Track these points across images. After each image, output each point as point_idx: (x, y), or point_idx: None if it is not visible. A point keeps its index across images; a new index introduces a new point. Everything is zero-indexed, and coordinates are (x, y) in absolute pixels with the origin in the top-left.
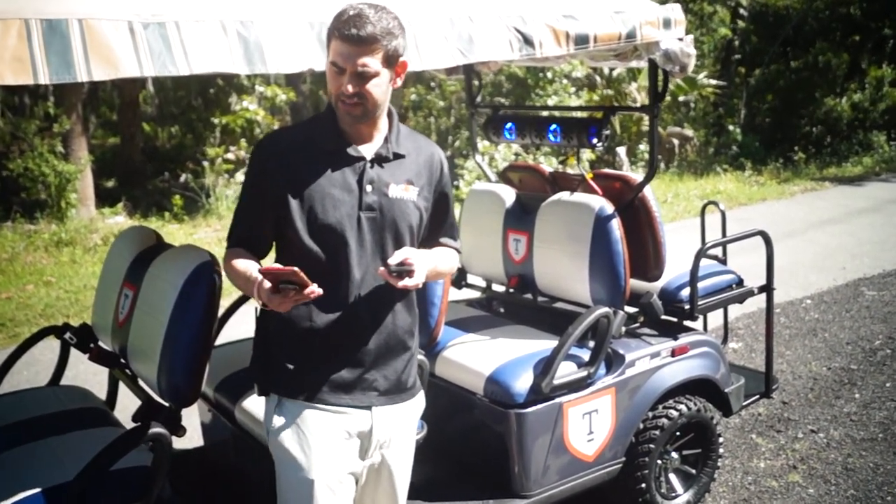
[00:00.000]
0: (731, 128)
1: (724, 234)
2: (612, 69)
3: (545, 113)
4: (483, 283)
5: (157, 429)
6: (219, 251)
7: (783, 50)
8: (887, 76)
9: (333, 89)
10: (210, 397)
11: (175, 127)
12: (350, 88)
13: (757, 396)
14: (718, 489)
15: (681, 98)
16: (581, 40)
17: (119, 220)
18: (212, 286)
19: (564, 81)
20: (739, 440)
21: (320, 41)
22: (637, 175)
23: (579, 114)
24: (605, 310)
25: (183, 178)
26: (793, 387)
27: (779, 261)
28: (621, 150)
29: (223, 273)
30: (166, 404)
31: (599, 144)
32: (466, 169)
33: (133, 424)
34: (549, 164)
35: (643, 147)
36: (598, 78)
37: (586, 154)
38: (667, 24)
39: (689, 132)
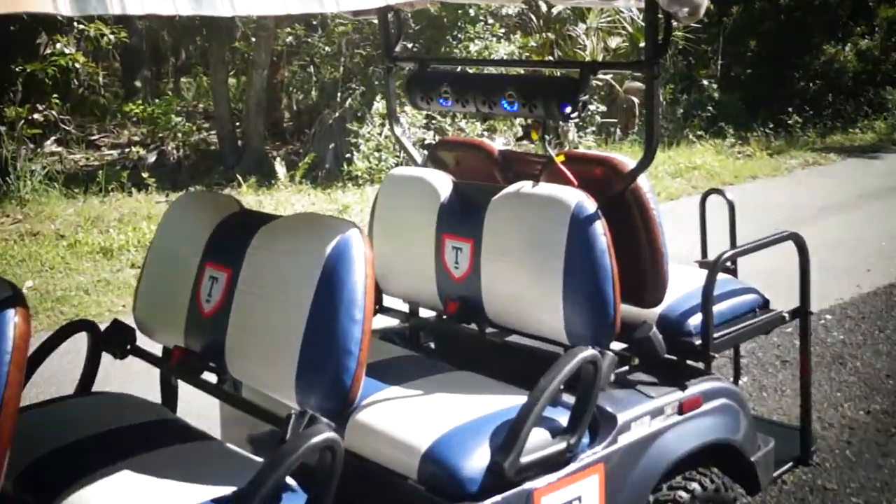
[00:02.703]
0: (704, 82)
1: (732, 235)
2: (549, 6)
3: (495, 70)
4: (405, 307)
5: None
6: (20, 249)
7: None
8: None
9: None
10: None
11: None
12: None
13: (791, 464)
14: None
15: (641, 44)
16: None
17: None
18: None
19: (491, 22)
20: None
21: None
22: (623, 157)
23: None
24: (589, 352)
25: None
26: (824, 440)
27: (783, 262)
28: None
29: None
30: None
31: (575, 115)
32: (362, 138)
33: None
34: (496, 137)
35: (593, 108)
36: (532, 17)
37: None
38: None
39: None
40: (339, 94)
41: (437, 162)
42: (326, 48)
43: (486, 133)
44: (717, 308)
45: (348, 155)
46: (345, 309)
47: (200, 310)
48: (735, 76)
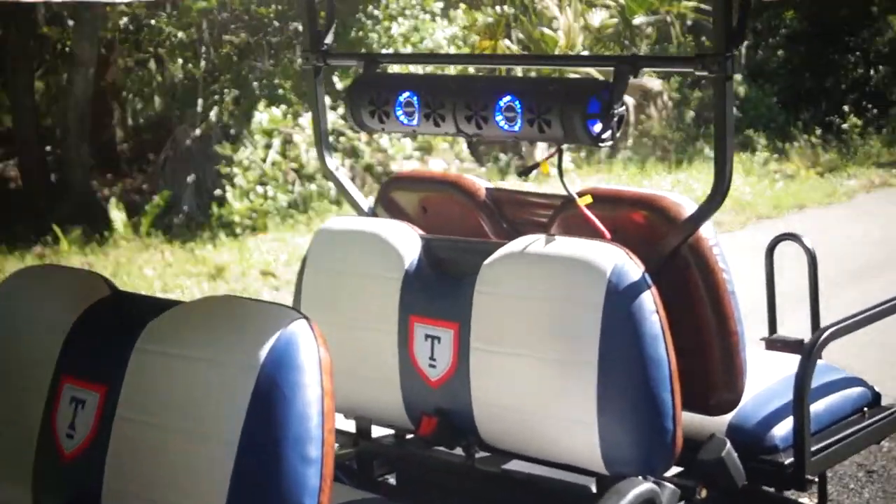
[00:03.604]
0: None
1: (814, 300)
2: None
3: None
4: (350, 425)
5: None
6: None
7: None
8: None
9: None
10: None
11: None
12: None
13: None
14: None
15: (636, 21)
16: None
17: None
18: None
19: None
20: None
21: None
22: (676, 195)
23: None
24: (643, 486)
25: None
26: None
27: (874, 331)
28: None
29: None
30: None
31: (608, 136)
32: (237, 166)
33: None
34: (484, 171)
35: None
36: None
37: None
38: None
39: (653, 83)
40: (199, 102)
41: (391, 208)
42: (179, 34)
43: (421, 154)
44: (813, 409)
45: (218, 192)
46: (292, 444)
47: (59, 451)
48: (766, 62)
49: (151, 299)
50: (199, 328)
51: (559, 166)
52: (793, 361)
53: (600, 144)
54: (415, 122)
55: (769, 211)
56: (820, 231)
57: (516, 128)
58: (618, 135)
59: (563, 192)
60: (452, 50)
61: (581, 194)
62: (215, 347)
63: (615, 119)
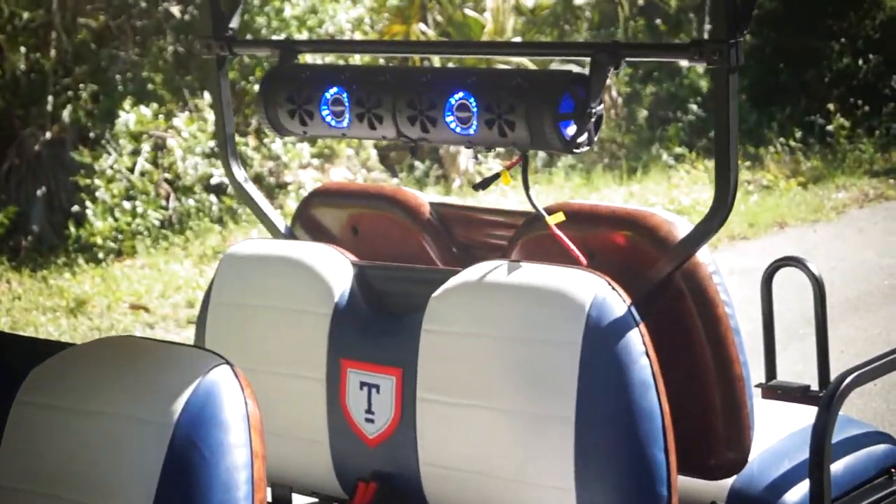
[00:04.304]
0: (682, 63)
1: (822, 336)
2: None
3: (433, 61)
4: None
5: None
6: None
7: None
8: None
9: None
10: None
11: None
12: None
13: None
14: None
15: (577, 1)
16: None
17: None
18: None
19: None
20: None
21: None
22: (664, 212)
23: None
24: None
25: None
26: None
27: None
28: None
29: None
30: None
31: (584, 140)
32: (99, 176)
33: None
34: (396, 182)
35: None
36: None
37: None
38: None
39: None
40: (49, 99)
41: (314, 228)
42: (25, 14)
43: (320, 161)
44: (832, 471)
45: (75, 208)
46: None
47: None
48: None
49: (34, 341)
50: (96, 376)
51: (524, 176)
52: (798, 412)
53: (575, 151)
54: (345, 123)
55: (744, 230)
56: (805, 253)
57: (471, 131)
58: (595, 139)
59: (527, 208)
60: (358, 36)
61: (550, 210)
62: (116, 400)
63: (593, 120)
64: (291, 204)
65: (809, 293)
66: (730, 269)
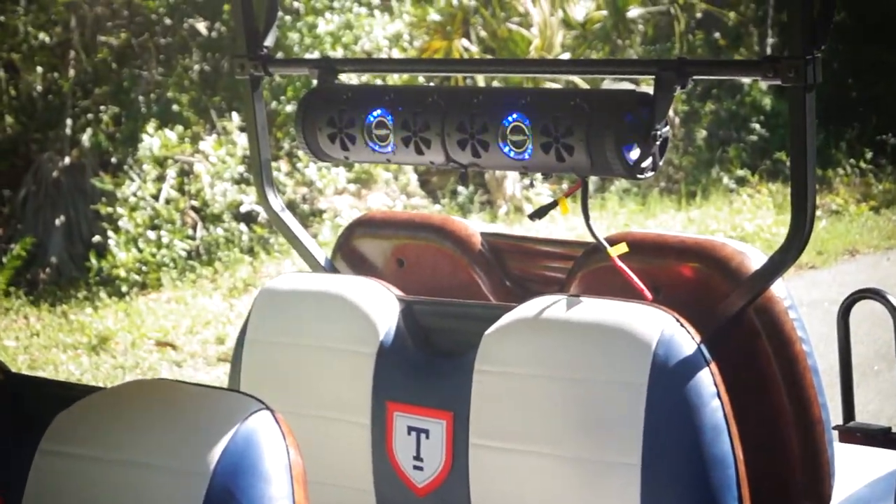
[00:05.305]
0: (744, 80)
1: None
2: None
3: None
4: None
5: None
6: None
7: None
8: None
9: None
10: None
11: None
12: None
13: None
14: None
15: (630, 13)
16: None
17: None
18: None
19: None
20: None
21: None
22: (737, 242)
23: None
24: None
25: None
26: None
27: None
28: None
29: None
30: None
31: (647, 166)
32: (122, 204)
33: None
34: (439, 209)
35: None
36: None
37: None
38: None
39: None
40: (67, 122)
41: (356, 260)
42: (40, 34)
43: (357, 187)
44: None
45: (97, 238)
46: None
47: None
48: None
49: (59, 385)
50: (126, 422)
51: (584, 204)
52: (880, 456)
53: (639, 176)
54: (389, 148)
55: (812, 258)
56: (879, 283)
57: (526, 155)
58: (660, 164)
59: (587, 239)
60: (396, 53)
61: (612, 241)
62: (148, 449)
63: (658, 143)
64: (327, 232)
65: (882, 327)
66: (798, 300)
